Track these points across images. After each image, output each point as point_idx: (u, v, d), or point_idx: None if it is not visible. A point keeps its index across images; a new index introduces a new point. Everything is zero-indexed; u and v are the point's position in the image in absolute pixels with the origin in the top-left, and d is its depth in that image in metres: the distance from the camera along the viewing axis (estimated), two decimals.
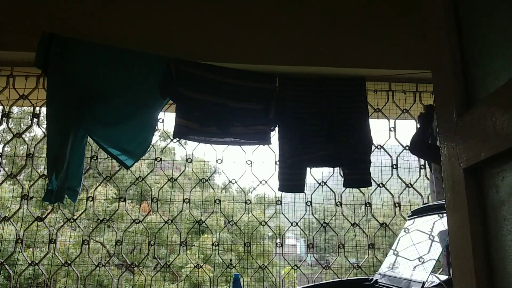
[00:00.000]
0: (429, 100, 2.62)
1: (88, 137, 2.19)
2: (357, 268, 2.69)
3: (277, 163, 2.43)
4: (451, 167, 0.78)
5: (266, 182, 2.64)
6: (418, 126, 2.34)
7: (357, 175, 2.31)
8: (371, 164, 2.34)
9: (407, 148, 2.66)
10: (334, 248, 3.16)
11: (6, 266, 2.45)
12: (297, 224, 2.66)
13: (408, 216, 2.59)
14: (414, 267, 2.22)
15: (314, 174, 2.61)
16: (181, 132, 2.17)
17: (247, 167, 2.63)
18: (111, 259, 5.16)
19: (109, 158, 2.23)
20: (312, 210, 2.66)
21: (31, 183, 2.56)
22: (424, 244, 2.27)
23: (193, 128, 2.19)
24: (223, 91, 2.24)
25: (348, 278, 2.68)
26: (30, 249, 5.39)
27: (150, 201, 2.82)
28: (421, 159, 2.68)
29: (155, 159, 2.71)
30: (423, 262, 2.16)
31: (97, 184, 4.91)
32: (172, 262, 3.12)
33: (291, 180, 2.29)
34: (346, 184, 2.35)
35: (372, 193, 2.71)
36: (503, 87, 0.63)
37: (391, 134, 2.65)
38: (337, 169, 2.51)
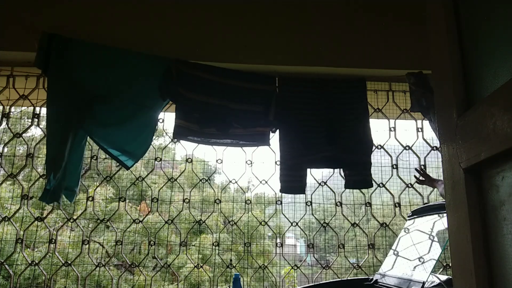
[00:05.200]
0: None
1: (88, 137, 2.19)
2: (357, 268, 2.69)
3: (277, 163, 2.43)
4: (451, 167, 0.78)
5: (266, 182, 2.64)
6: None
7: (358, 176, 2.31)
8: (371, 165, 2.35)
9: (407, 148, 2.66)
10: (334, 248, 3.16)
11: (6, 266, 2.45)
12: (297, 224, 2.66)
13: (408, 216, 2.59)
14: (414, 267, 2.22)
15: (314, 174, 2.61)
16: (181, 133, 2.17)
17: (247, 167, 2.63)
18: (110, 260, 5.16)
19: (108, 158, 2.23)
20: (312, 210, 2.66)
21: (31, 183, 2.56)
22: (424, 244, 2.27)
23: (193, 129, 2.19)
24: (223, 92, 2.24)
25: (348, 278, 2.68)
26: (29, 249, 5.38)
27: (150, 201, 2.82)
28: (421, 160, 2.68)
29: (155, 159, 2.71)
30: (423, 262, 2.16)
31: (97, 185, 4.91)
32: (172, 262, 3.12)
33: (292, 181, 2.29)
34: (347, 186, 2.35)
35: (372, 193, 2.70)
36: (503, 87, 0.63)
37: (391, 134, 2.65)
38: (337, 169, 2.51)
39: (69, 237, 5.26)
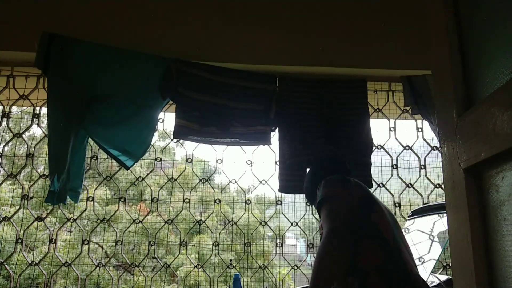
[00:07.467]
0: None
1: (89, 137, 2.19)
2: None
3: (277, 163, 2.43)
4: (451, 167, 0.78)
5: (266, 182, 2.64)
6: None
7: (358, 176, 2.30)
8: (371, 165, 2.34)
9: (407, 148, 2.66)
10: None
11: (6, 266, 2.45)
12: (297, 224, 2.66)
13: (408, 216, 2.59)
14: None
15: None
16: (181, 133, 2.18)
17: (247, 167, 2.63)
18: (109, 260, 5.15)
19: (108, 158, 2.23)
20: (312, 210, 2.66)
21: (31, 183, 2.56)
22: (424, 244, 2.27)
23: (193, 129, 2.19)
24: (223, 91, 2.24)
25: None
26: (29, 249, 5.38)
27: (150, 201, 2.81)
28: (421, 160, 2.68)
29: (155, 159, 2.70)
30: (423, 262, 2.17)
31: (97, 185, 4.92)
32: (172, 262, 3.12)
33: (291, 181, 2.29)
34: None
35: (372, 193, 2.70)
36: (503, 87, 0.63)
37: (391, 134, 2.65)
38: None
39: (65, 240, 5.25)
